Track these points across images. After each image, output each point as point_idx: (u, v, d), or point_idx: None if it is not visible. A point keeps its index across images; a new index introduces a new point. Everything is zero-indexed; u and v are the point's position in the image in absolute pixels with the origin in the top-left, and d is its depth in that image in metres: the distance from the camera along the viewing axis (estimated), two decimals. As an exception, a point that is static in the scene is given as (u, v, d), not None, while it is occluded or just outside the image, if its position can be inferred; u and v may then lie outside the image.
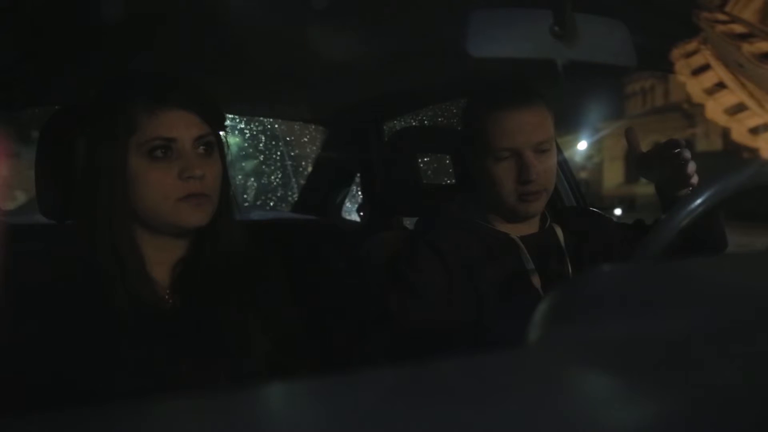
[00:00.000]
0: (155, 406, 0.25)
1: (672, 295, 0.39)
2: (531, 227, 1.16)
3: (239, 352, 0.91)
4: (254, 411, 0.26)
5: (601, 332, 0.35)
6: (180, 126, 0.86)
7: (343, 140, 2.10)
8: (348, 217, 2.26)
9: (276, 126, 3.30)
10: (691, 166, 1.04)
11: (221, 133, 0.95)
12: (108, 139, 0.85)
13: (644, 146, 1.14)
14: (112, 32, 1.05)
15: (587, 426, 0.24)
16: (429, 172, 2.28)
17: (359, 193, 2.23)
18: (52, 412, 0.24)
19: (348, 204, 2.26)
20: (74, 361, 0.80)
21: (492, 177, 1.08)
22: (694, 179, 1.04)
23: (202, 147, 0.89)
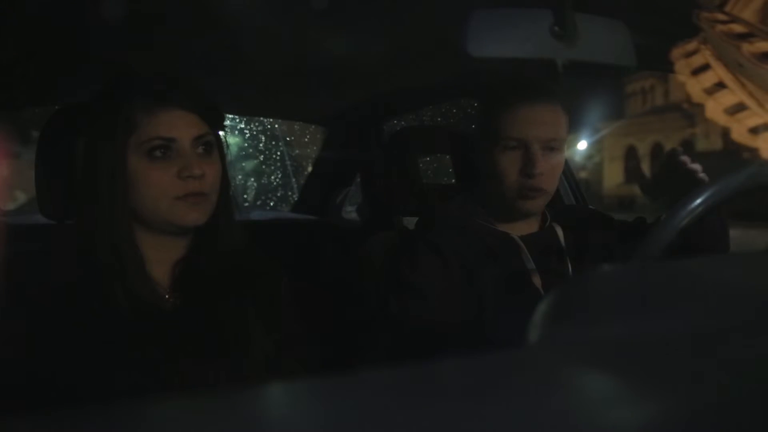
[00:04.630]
0: (155, 406, 0.25)
1: (672, 295, 0.38)
2: (531, 227, 1.16)
3: (239, 351, 0.91)
4: (254, 411, 0.26)
5: (601, 332, 0.35)
6: (179, 126, 0.87)
7: (343, 140, 2.10)
8: (348, 217, 2.26)
9: (276, 126, 3.30)
10: (697, 167, 1.02)
11: (221, 132, 0.96)
12: (108, 138, 0.85)
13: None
14: (112, 32, 1.05)
15: (587, 426, 0.24)
16: (429, 172, 2.28)
17: (359, 193, 2.23)
18: (52, 412, 0.24)
19: (348, 204, 2.26)
20: (74, 360, 0.80)
21: (497, 167, 1.08)
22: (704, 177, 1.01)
23: (201, 147, 0.89)
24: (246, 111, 2.34)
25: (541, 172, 1.05)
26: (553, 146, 1.07)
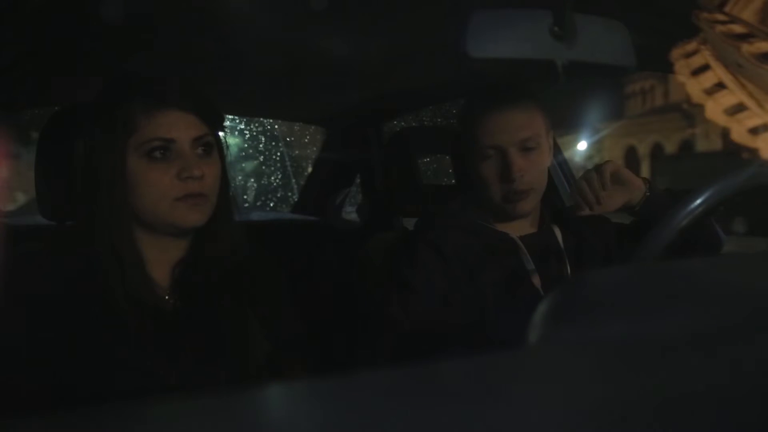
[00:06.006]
0: (155, 407, 0.25)
1: (672, 295, 0.38)
2: (530, 227, 1.16)
3: (239, 352, 0.91)
4: (254, 411, 0.26)
5: (601, 332, 0.35)
6: (179, 127, 0.87)
7: (343, 141, 2.10)
8: (348, 218, 2.26)
9: (276, 127, 3.30)
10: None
11: (220, 133, 0.96)
12: (107, 139, 0.86)
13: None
14: (112, 32, 1.05)
15: (587, 426, 0.24)
16: (429, 172, 2.29)
17: (359, 193, 2.23)
18: (52, 413, 0.24)
19: (348, 205, 2.26)
20: (74, 361, 0.80)
21: (479, 176, 1.09)
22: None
23: (201, 147, 0.89)
24: (246, 112, 2.34)
25: (521, 175, 1.06)
26: (530, 145, 1.07)
